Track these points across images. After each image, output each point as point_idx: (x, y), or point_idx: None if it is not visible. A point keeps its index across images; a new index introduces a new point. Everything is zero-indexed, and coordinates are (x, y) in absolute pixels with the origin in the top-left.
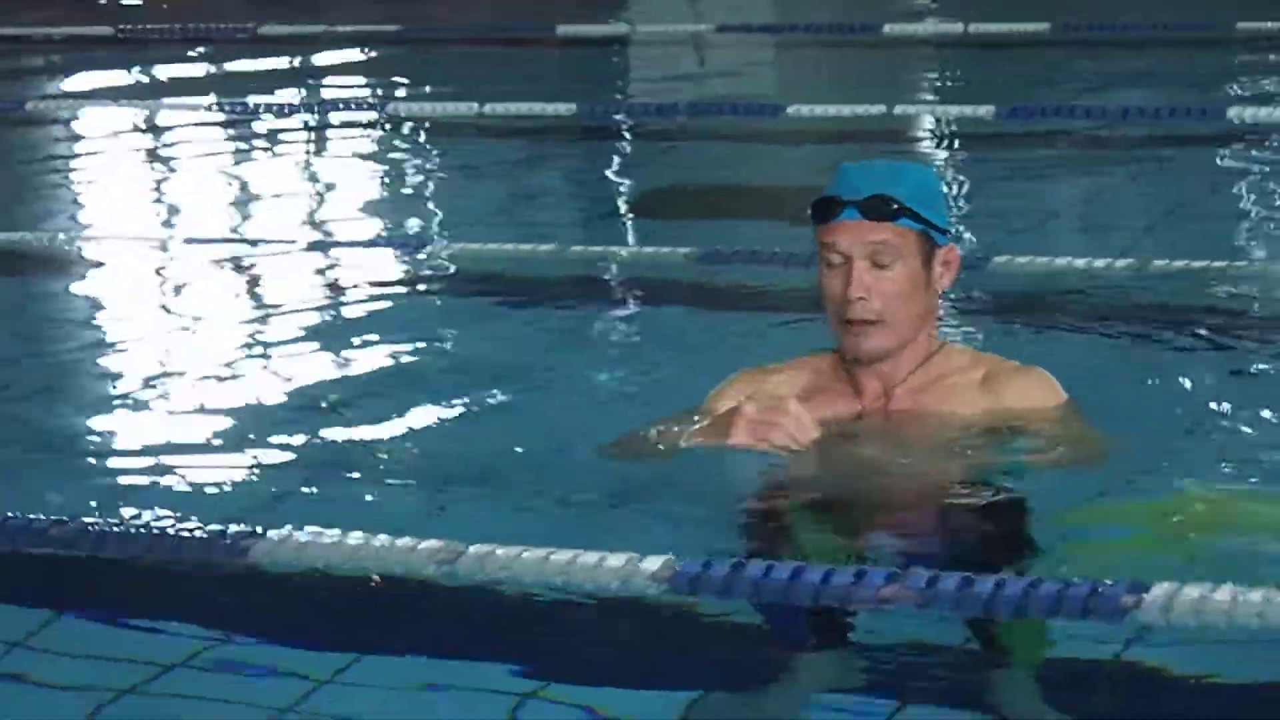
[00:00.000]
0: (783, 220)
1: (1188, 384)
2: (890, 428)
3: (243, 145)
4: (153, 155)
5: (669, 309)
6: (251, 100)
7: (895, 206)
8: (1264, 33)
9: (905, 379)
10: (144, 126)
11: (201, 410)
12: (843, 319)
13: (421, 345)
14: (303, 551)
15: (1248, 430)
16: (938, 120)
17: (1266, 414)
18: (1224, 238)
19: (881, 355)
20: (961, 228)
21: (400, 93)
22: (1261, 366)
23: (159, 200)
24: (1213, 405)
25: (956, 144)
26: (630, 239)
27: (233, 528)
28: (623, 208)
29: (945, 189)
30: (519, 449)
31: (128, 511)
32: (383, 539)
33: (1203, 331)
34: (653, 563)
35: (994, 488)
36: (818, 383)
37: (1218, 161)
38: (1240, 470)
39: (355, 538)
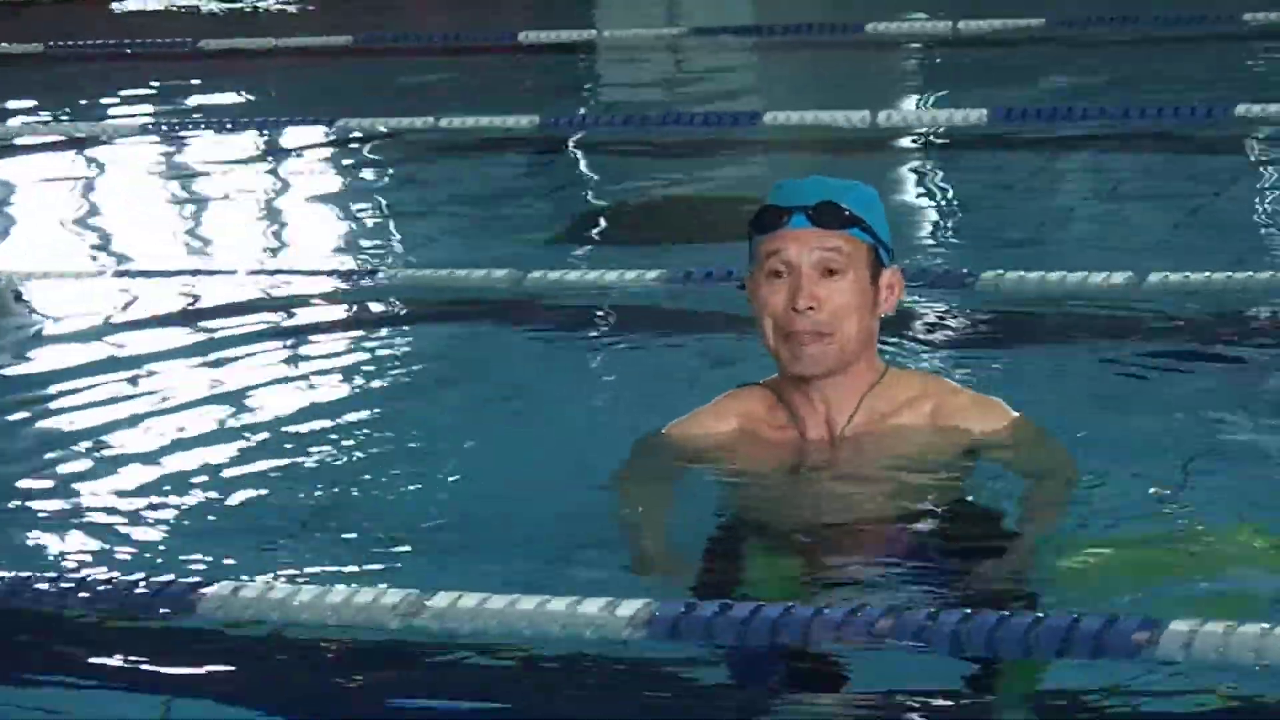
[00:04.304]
0: None
1: (1191, 407)
2: (838, 463)
3: (184, 167)
4: (89, 179)
5: (638, 336)
6: (192, 119)
7: (847, 213)
8: (1272, 24)
9: (850, 416)
10: (79, 148)
11: (144, 455)
12: (786, 333)
13: (373, 382)
14: (255, 605)
15: (1256, 455)
16: (926, 125)
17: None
18: (1233, 246)
19: (827, 370)
20: (950, 239)
21: (350, 107)
22: (1270, 386)
23: (95, 229)
24: (1220, 430)
25: (946, 150)
26: (598, 261)
27: (180, 581)
28: (590, 226)
29: (934, 199)
30: (479, 490)
31: (68, 563)
32: (341, 590)
33: (1210, 350)
34: (630, 607)
35: (960, 521)
36: (754, 422)
37: (1226, 163)
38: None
39: (312, 589)
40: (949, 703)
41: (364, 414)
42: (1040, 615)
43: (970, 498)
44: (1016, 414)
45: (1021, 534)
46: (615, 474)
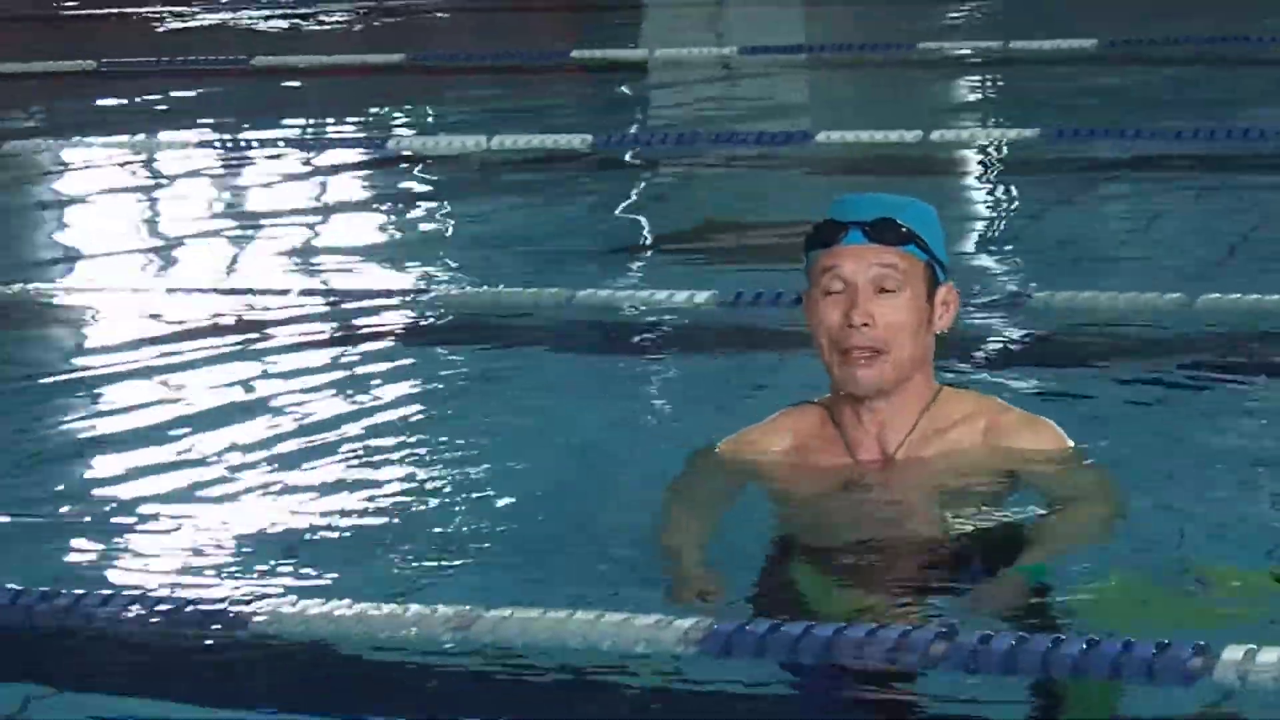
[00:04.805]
0: None
1: (1240, 430)
2: (890, 482)
3: (234, 185)
4: (139, 197)
5: (687, 355)
6: (244, 137)
7: (904, 230)
8: None
9: (906, 435)
10: (129, 166)
11: (196, 473)
12: (841, 349)
13: (425, 400)
14: (309, 622)
15: None
16: (978, 144)
17: None
18: None
19: (880, 389)
20: (1002, 258)
21: (403, 126)
22: None
23: (144, 246)
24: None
25: (998, 169)
26: (648, 280)
27: (233, 597)
28: (640, 246)
29: (986, 218)
30: (529, 506)
31: (120, 582)
32: (393, 605)
33: (1261, 373)
34: (685, 622)
35: (1008, 544)
36: (806, 441)
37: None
38: None
39: (364, 604)
40: None
41: (415, 432)
42: (1094, 639)
43: (1022, 518)
44: (1064, 435)
45: (1030, 553)
46: (665, 491)
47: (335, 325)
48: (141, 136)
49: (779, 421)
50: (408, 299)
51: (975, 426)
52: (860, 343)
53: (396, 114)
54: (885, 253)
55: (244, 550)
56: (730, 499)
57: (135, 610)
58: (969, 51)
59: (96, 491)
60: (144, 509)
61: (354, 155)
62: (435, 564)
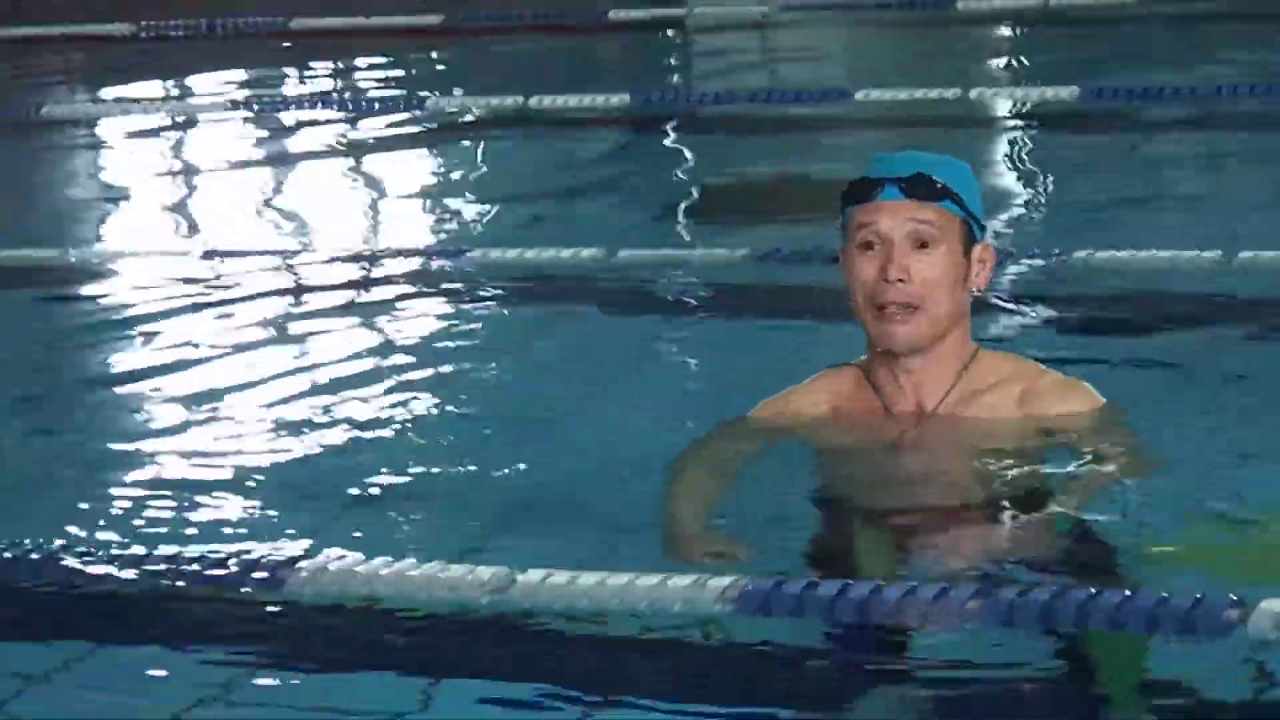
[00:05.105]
0: None
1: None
2: (926, 443)
3: (273, 147)
4: (178, 160)
5: (725, 315)
6: (282, 98)
7: (940, 186)
8: None
9: (944, 395)
10: (168, 129)
11: (234, 433)
12: (876, 304)
13: (464, 360)
14: (346, 581)
15: None
16: (1017, 103)
17: None
18: None
19: (916, 345)
20: (1040, 217)
21: (439, 87)
22: None
23: (184, 209)
24: None
25: (1037, 128)
26: (688, 239)
27: (268, 557)
28: (679, 205)
29: (1024, 177)
30: (568, 468)
31: (157, 542)
32: (430, 567)
33: None
34: (721, 581)
35: (1041, 503)
36: (843, 402)
37: None
38: None
39: (401, 565)
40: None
41: (452, 393)
42: (1129, 593)
43: (1056, 481)
44: (1100, 397)
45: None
46: (683, 451)
47: (372, 285)
48: (180, 99)
49: (816, 383)
50: (446, 260)
51: (1012, 390)
52: (896, 298)
53: (435, 75)
54: (921, 208)
55: (280, 511)
56: (748, 461)
57: (172, 569)
58: (1008, 9)
59: (132, 452)
60: (181, 469)
61: (392, 117)
62: (473, 525)
